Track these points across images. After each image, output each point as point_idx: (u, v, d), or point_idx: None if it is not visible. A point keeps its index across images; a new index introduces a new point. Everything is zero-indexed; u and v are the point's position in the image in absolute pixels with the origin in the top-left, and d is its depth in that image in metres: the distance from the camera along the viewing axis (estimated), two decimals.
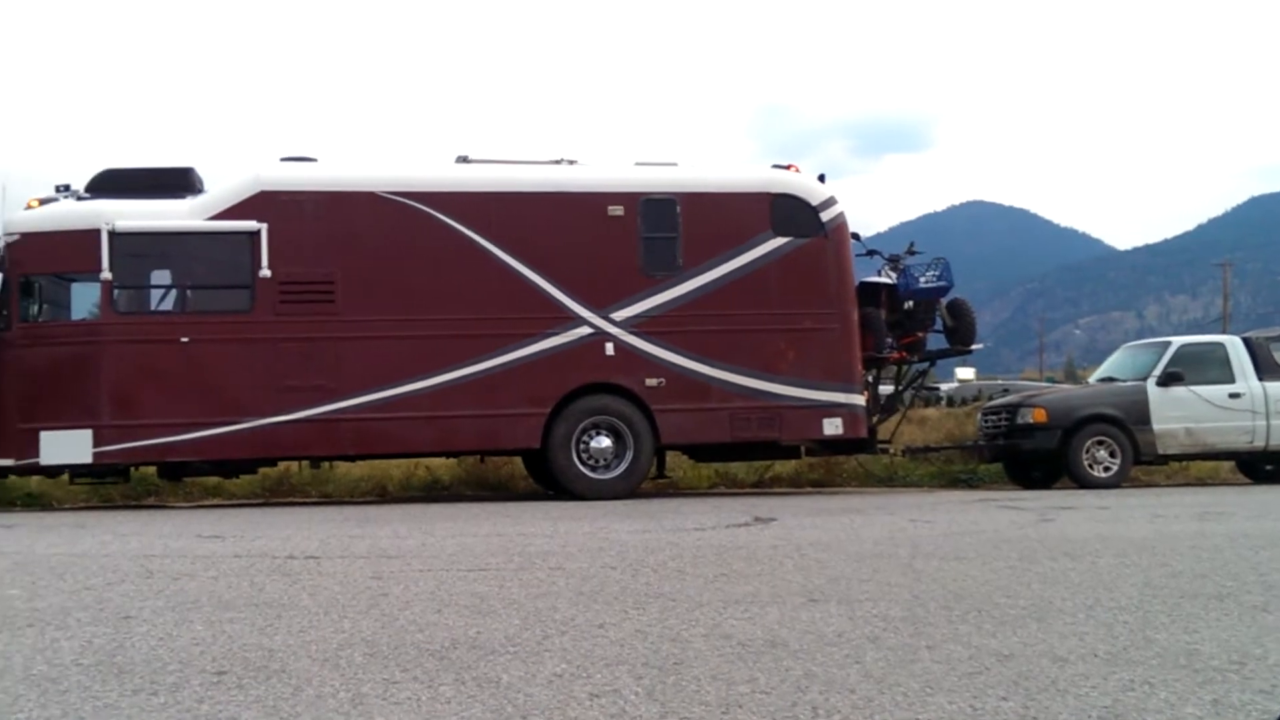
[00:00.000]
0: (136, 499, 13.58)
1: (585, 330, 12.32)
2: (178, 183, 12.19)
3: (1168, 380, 14.31)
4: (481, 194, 12.38)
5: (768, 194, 12.92)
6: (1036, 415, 14.28)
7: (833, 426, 12.69)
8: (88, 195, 11.91)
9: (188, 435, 11.58)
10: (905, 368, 14.35)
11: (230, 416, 11.64)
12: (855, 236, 13.44)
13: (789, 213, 12.85)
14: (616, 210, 12.54)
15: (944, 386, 35.65)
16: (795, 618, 4.29)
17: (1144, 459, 14.38)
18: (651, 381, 12.35)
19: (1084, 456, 14.00)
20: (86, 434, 11.41)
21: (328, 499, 13.91)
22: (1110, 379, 15.54)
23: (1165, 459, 14.68)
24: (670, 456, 13.77)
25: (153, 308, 12.28)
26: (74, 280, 12.15)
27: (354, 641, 3.88)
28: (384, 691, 3.18)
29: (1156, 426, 14.15)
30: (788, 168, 13.40)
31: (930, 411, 21.29)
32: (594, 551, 6.67)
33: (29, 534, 8.40)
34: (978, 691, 3.14)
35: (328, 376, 11.83)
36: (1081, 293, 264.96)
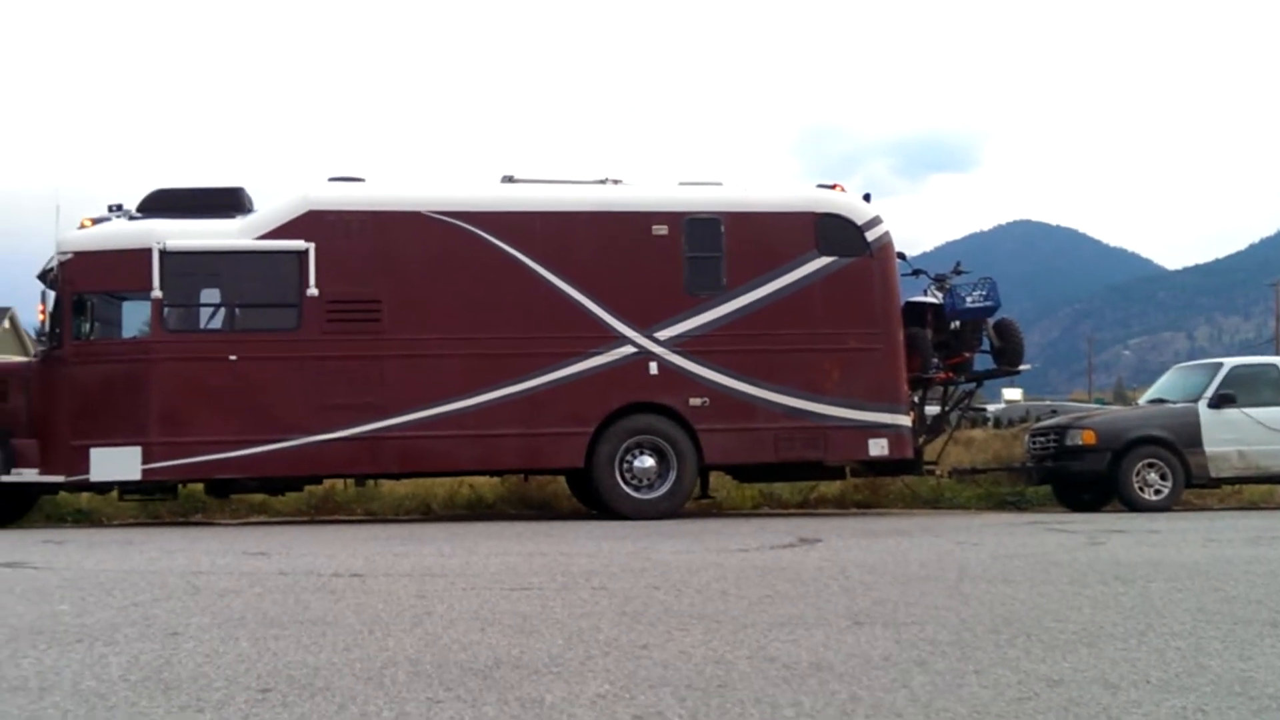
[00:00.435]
0: (184, 516, 13.72)
1: (629, 349, 12.32)
2: (227, 202, 12.34)
3: (1220, 402, 14.11)
4: (527, 213, 12.44)
5: (813, 213, 12.88)
6: (1086, 437, 14.12)
7: (878, 447, 12.60)
8: (139, 215, 12.09)
9: (235, 453, 11.68)
10: (952, 388, 14.23)
11: (277, 434, 11.73)
12: (901, 256, 13.37)
13: (834, 232, 12.81)
14: (661, 229, 12.55)
15: (991, 407, 35.38)
16: (840, 640, 4.24)
17: (1195, 482, 14.18)
18: (695, 401, 12.33)
19: (1134, 479, 13.82)
20: (136, 451, 11.55)
21: (372, 517, 13.98)
22: (1161, 400, 15.34)
23: (1217, 482, 14.46)
24: (714, 477, 13.72)
25: (202, 326, 12.42)
26: (125, 299, 12.30)
27: (398, 660, 3.88)
28: (427, 711, 3.18)
29: (1208, 449, 13.95)
30: (833, 187, 13.36)
31: (977, 433, 21.12)
32: (637, 572, 6.65)
33: (79, 550, 8.50)
34: (1027, 717, 3.09)
35: (373, 395, 11.91)
36: (1131, 313, 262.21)
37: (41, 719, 3.11)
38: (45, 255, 12.10)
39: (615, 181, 13.04)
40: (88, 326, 11.98)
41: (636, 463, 12.22)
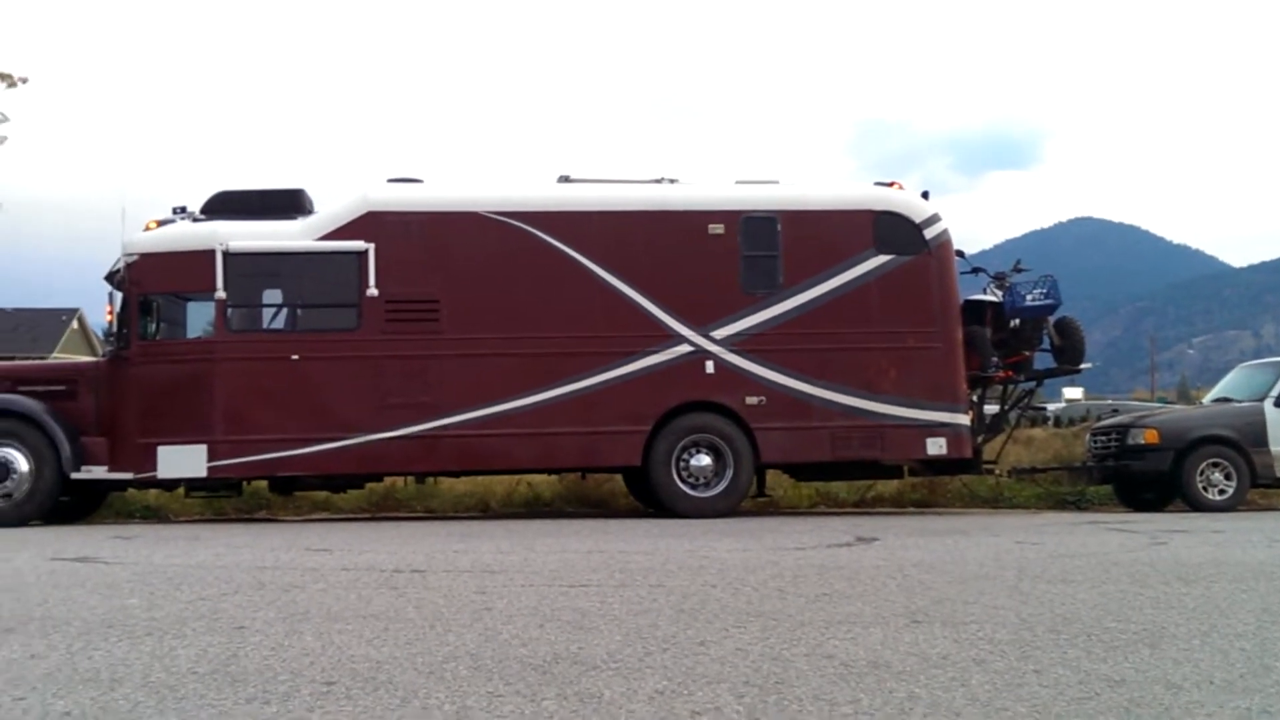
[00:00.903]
0: (248, 512, 13.93)
1: (685, 348, 12.33)
2: (289, 204, 12.50)
3: None
4: (583, 213, 12.49)
5: (870, 211, 12.81)
6: (1148, 436, 13.94)
7: (936, 446, 12.51)
8: (203, 216, 12.28)
9: (297, 451, 11.84)
10: (1011, 387, 14.09)
11: (338, 432, 11.88)
12: (960, 254, 13.26)
13: (892, 230, 12.73)
14: (717, 228, 12.55)
15: (1051, 406, 34.95)
16: (899, 639, 4.23)
17: (1260, 482, 13.96)
18: (752, 400, 12.31)
19: (1198, 479, 13.63)
20: (201, 449, 11.74)
21: (432, 514, 14.11)
22: (1225, 399, 15.10)
23: None
24: (770, 475, 13.69)
25: (264, 326, 12.59)
26: (190, 299, 12.48)
27: (458, 654, 3.93)
28: (488, 704, 3.22)
29: (1274, 448, 13.72)
30: (891, 185, 13.28)
31: (1037, 432, 20.88)
32: (694, 569, 6.66)
33: (147, 545, 8.66)
34: (1088, 717, 3.07)
35: (432, 394, 12.01)
36: (1195, 311, 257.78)
37: (113, 710, 3.19)
38: (112, 257, 12.33)
39: (671, 181, 13.05)
40: (154, 327, 12.17)
41: (693, 461, 12.23)
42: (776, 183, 13.27)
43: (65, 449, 11.52)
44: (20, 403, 11.73)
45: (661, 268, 12.43)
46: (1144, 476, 14.15)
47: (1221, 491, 13.61)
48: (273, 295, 12.74)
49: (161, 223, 12.24)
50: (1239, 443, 13.71)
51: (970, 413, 13.00)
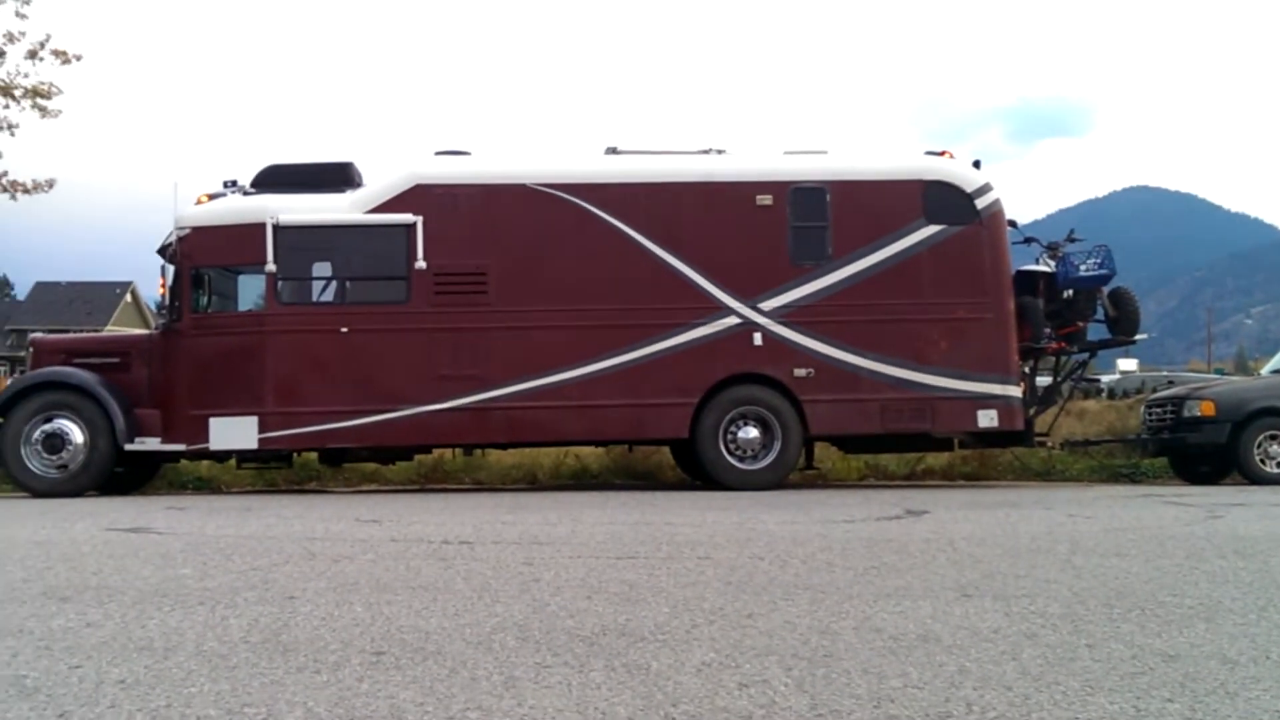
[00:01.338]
0: (299, 484, 14.08)
1: (733, 320, 12.28)
2: (338, 177, 12.56)
3: None
4: (630, 185, 12.44)
5: (920, 181, 12.67)
6: (1205, 408, 13.73)
7: (987, 418, 12.39)
8: (253, 190, 12.37)
9: (347, 423, 11.94)
10: (1064, 358, 13.91)
11: (387, 405, 11.96)
12: (1012, 224, 13.09)
13: (943, 200, 12.58)
14: (765, 199, 12.46)
15: (1105, 378, 34.54)
16: (948, 612, 4.20)
17: None
18: (800, 372, 12.25)
19: (1255, 451, 13.42)
20: (252, 420, 11.86)
21: (480, 486, 14.19)
22: None
23: None
24: (819, 448, 13.63)
25: (314, 299, 12.68)
26: (240, 272, 12.59)
27: (506, 625, 3.94)
28: (536, 675, 3.22)
29: None
30: (941, 154, 13.12)
31: (1090, 404, 20.64)
32: (742, 542, 6.65)
33: (199, 516, 8.78)
34: (1141, 692, 3.02)
35: (480, 366, 12.06)
36: (1254, 281, 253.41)
37: (166, 678, 3.22)
38: (164, 231, 12.46)
39: (719, 152, 12.96)
40: (205, 300, 12.29)
41: (741, 433, 12.20)
42: (825, 153, 13.14)
43: (119, 421, 11.69)
44: (75, 375, 11.91)
45: (709, 239, 12.37)
46: (1200, 449, 13.95)
47: None
48: (322, 268, 12.81)
49: (213, 196, 12.35)
50: None
51: (1022, 384, 12.85)
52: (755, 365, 12.26)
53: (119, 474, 12.35)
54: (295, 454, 12.72)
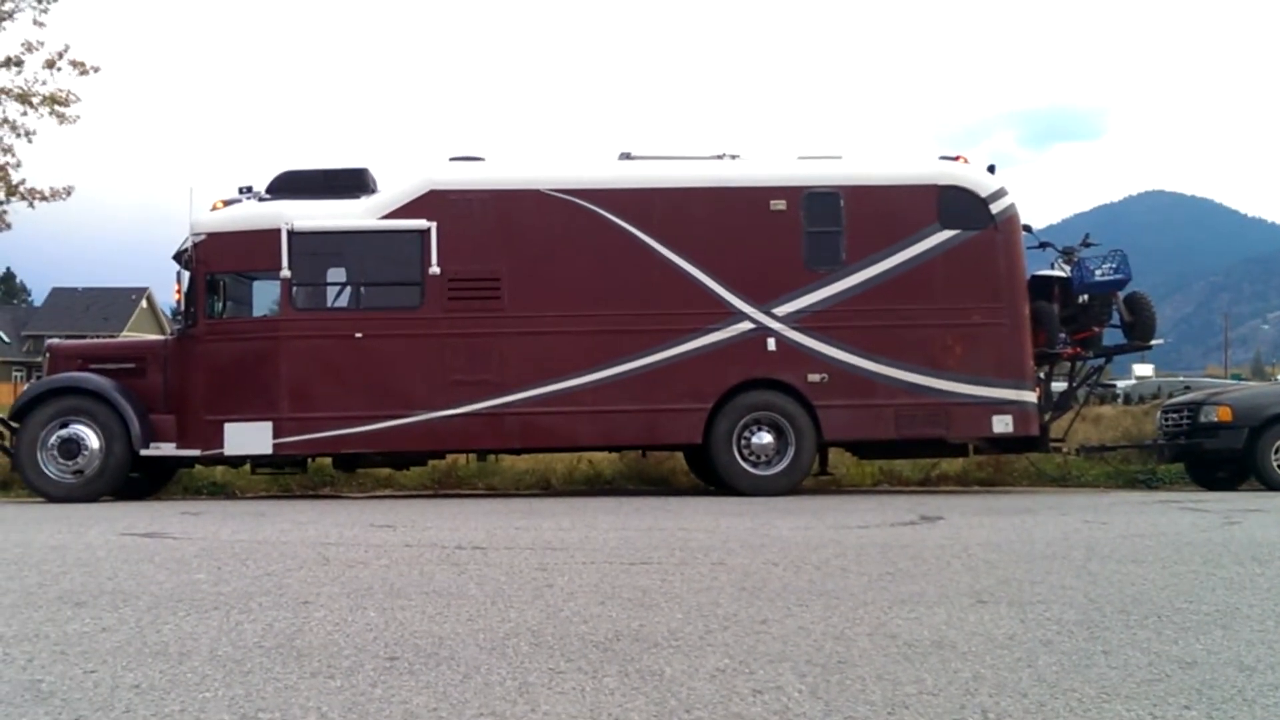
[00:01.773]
0: (313, 489, 14.11)
1: (747, 325, 12.27)
2: (352, 183, 12.59)
3: None
4: (644, 190, 12.45)
5: (935, 186, 12.64)
6: (1221, 414, 13.65)
7: (1002, 424, 12.35)
8: (268, 196, 12.41)
9: (361, 428, 11.96)
10: (1080, 364, 13.86)
11: (401, 410, 11.98)
12: (1027, 228, 13.05)
13: (957, 205, 12.56)
14: (779, 204, 12.45)
15: (1121, 384, 34.43)
16: (963, 619, 4.18)
17: None
18: (814, 377, 12.23)
19: (1273, 457, 13.33)
20: (267, 426, 11.90)
21: (493, 491, 14.20)
22: None
23: None
24: (833, 453, 13.61)
25: (329, 305, 12.71)
26: (255, 278, 12.64)
27: (520, 631, 3.94)
28: (549, 681, 3.22)
29: None
30: (956, 159, 13.09)
31: (1106, 409, 20.56)
32: (755, 547, 6.64)
33: (214, 521, 8.80)
34: (1158, 700, 3.01)
35: (494, 371, 12.07)
36: (1270, 286, 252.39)
37: (181, 682, 3.23)
38: (180, 237, 12.50)
39: (733, 157, 12.96)
40: (220, 305, 12.33)
41: (754, 439, 12.19)
42: (839, 158, 13.13)
43: (135, 426, 11.73)
44: (91, 380, 11.96)
45: (723, 244, 12.36)
46: (1217, 455, 13.87)
47: None
48: (337, 274, 12.84)
49: (228, 202, 12.39)
50: None
51: (1037, 390, 12.81)
52: (769, 370, 12.25)
53: (134, 479, 12.39)
54: (309, 459, 12.76)
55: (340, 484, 14.21)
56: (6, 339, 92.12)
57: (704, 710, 2.91)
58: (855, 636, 3.84)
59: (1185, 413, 14.34)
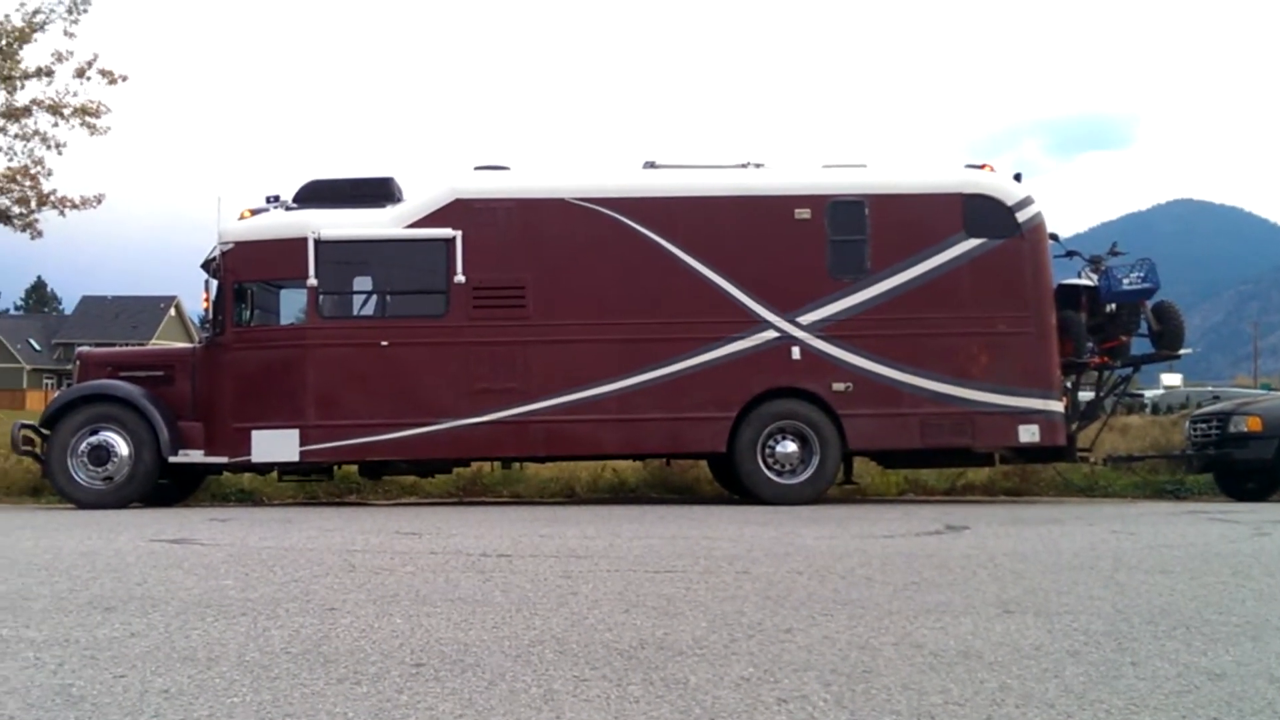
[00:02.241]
0: (339, 496, 14.16)
1: (771, 334, 12.25)
2: (378, 192, 12.65)
3: None
4: (668, 199, 12.46)
5: (960, 194, 12.60)
6: (1251, 424, 13.54)
7: (1029, 433, 12.28)
8: (295, 205, 12.48)
9: (387, 435, 12.00)
10: (1107, 373, 13.78)
11: (427, 418, 12.01)
12: (1054, 237, 12.98)
13: (983, 213, 12.51)
14: (803, 213, 12.43)
15: (1149, 393, 34.19)
16: (990, 629, 4.16)
17: None
18: (839, 386, 12.20)
19: None
20: (294, 433, 11.95)
21: (518, 499, 14.22)
22: None
23: None
24: (858, 462, 13.57)
25: (355, 313, 12.77)
26: (283, 286, 12.70)
27: (545, 639, 3.95)
28: (574, 688, 3.23)
29: None
30: (981, 167, 13.04)
31: (1133, 419, 20.44)
32: (780, 556, 6.62)
33: (242, 528, 8.85)
34: (1186, 711, 2.99)
35: (519, 379, 12.10)
36: None
37: (209, 688, 3.25)
38: (208, 246, 12.59)
39: (757, 165, 12.95)
40: (248, 313, 12.40)
41: (779, 448, 12.16)
42: (864, 166, 13.10)
43: (163, 433, 11.81)
44: (120, 388, 12.05)
45: (747, 253, 12.35)
46: (1246, 465, 13.76)
47: None
48: (363, 282, 12.91)
49: (255, 212, 12.47)
50: None
51: (1064, 399, 12.74)
52: (793, 379, 12.22)
53: (163, 486, 12.48)
54: (336, 467, 12.81)
55: (366, 491, 14.26)
56: (38, 347, 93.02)
57: (729, 718, 2.91)
58: (881, 646, 3.83)
59: (1214, 423, 14.23)
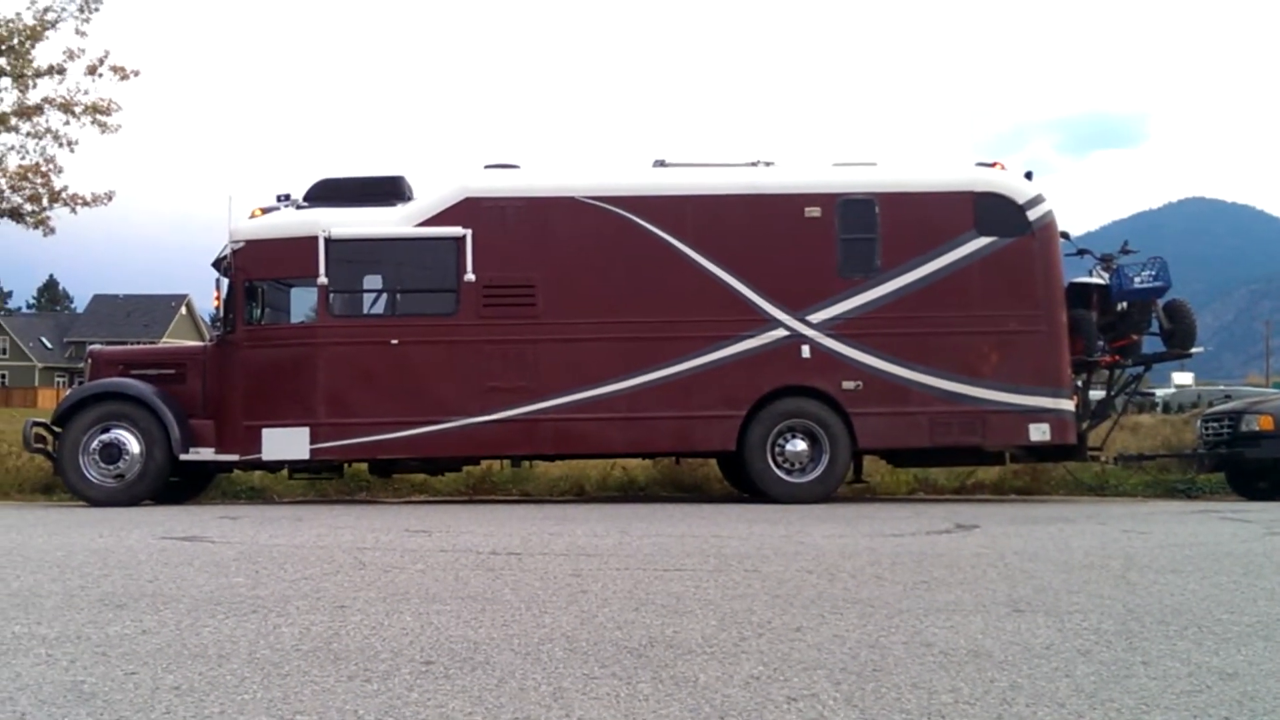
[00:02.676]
0: (349, 494, 14.19)
1: (781, 332, 12.25)
2: (389, 190, 12.67)
3: None
4: (678, 197, 12.45)
5: (971, 193, 12.57)
6: (1263, 423, 13.51)
7: (1039, 432, 12.26)
8: (306, 204, 12.51)
9: (397, 434, 12.02)
10: (1118, 372, 13.74)
11: (437, 416, 12.03)
12: (1065, 235, 12.95)
13: (993, 212, 12.48)
14: (814, 211, 12.42)
15: (1160, 392, 34.09)
16: (1000, 628, 4.15)
17: None
18: (849, 384, 12.19)
19: None
20: (304, 431, 11.98)
21: (527, 497, 14.23)
22: None
23: None
24: (868, 461, 13.55)
25: (365, 311, 12.80)
26: (293, 285, 12.73)
27: (554, 636, 3.95)
28: (584, 686, 3.23)
29: None
30: (992, 165, 13.01)
31: (1144, 418, 20.39)
32: (789, 555, 6.62)
33: (252, 525, 8.87)
34: (1198, 710, 2.98)
35: (528, 378, 12.10)
36: None
37: (220, 685, 3.26)
38: (219, 245, 12.62)
39: (767, 164, 12.94)
40: (259, 312, 12.44)
41: (789, 446, 12.15)
42: (874, 165, 13.08)
43: (175, 431, 11.85)
44: (132, 386, 12.09)
45: (757, 251, 12.34)
46: (1258, 464, 13.73)
47: None
48: (373, 281, 12.93)
49: (266, 210, 12.50)
50: None
51: (1075, 398, 12.71)
52: (803, 378, 12.21)
53: (174, 483, 12.51)
54: (346, 465, 12.83)
55: (376, 489, 14.29)
56: (49, 345, 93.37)
57: (738, 717, 2.91)
58: (890, 645, 3.82)
59: (1226, 421, 14.19)
